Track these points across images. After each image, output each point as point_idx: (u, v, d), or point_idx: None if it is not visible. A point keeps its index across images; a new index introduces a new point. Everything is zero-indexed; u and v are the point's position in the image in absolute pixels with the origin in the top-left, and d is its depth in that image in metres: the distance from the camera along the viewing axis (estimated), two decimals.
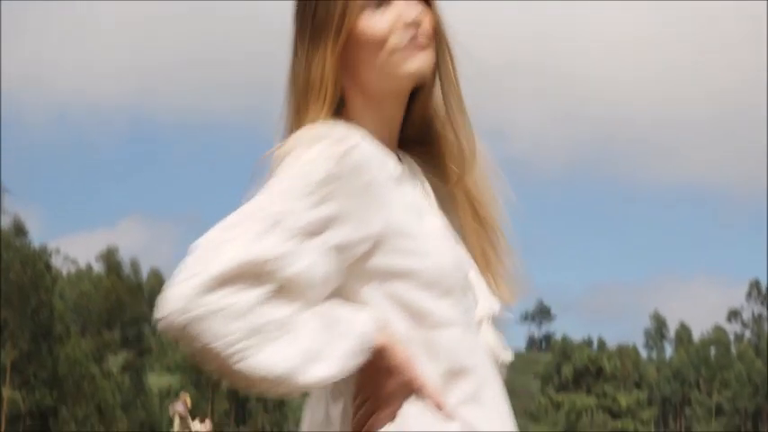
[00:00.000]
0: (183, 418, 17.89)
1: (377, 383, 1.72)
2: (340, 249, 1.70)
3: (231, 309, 1.57)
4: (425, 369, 1.75)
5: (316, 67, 1.87)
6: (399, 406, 1.74)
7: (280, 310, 1.61)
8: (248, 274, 1.59)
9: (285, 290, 1.62)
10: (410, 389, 1.73)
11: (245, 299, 1.58)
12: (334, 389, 1.77)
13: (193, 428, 17.86)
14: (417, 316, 1.77)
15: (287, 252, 1.62)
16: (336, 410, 1.78)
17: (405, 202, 1.81)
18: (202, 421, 18.29)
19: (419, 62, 1.87)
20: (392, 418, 1.73)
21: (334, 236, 1.69)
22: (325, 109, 1.85)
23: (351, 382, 1.74)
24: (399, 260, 1.76)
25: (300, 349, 1.62)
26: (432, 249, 1.79)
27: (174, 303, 1.57)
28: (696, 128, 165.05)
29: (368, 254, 1.74)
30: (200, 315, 1.56)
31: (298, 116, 1.87)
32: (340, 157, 1.73)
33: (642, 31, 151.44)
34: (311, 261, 1.65)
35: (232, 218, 1.66)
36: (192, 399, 20.48)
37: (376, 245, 1.74)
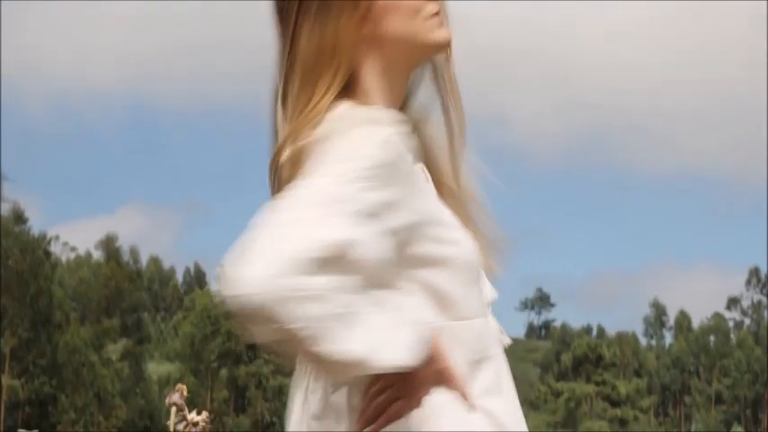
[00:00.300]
0: (179, 409, 17.86)
1: (407, 370, 1.67)
2: (395, 234, 1.68)
3: (307, 291, 1.54)
4: (454, 358, 1.71)
5: (327, 37, 1.81)
6: (426, 393, 1.70)
7: (351, 294, 1.59)
8: (320, 258, 1.56)
9: (353, 273, 1.60)
10: (441, 378, 1.70)
11: (319, 282, 1.55)
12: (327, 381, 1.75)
13: (190, 419, 17.83)
14: (446, 304, 1.77)
15: (353, 236, 1.61)
16: (341, 398, 1.74)
17: (431, 189, 1.82)
18: (199, 413, 18.22)
19: (446, 33, 1.88)
20: (418, 405, 1.70)
21: (390, 221, 1.68)
22: (335, 85, 1.80)
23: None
24: (436, 248, 1.75)
25: (374, 334, 1.60)
26: (460, 238, 1.79)
27: (250, 283, 1.53)
28: (696, 115, 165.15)
29: (407, 241, 1.72)
30: (278, 296, 1.53)
31: (303, 93, 1.80)
32: (388, 142, 1.70)
33: (641, 18, 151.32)
34: (375, 245, 1.64)
35: (292, 200, 1.62)
36: (191, 387, 20.25)
37: (415, 232, 1.73)
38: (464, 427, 1.74)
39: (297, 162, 1.75)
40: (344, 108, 1.77)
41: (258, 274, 1.54)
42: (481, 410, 1.76)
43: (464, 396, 1.73)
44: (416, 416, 1.70)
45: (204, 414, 18.10)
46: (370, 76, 1.86)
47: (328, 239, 1.57)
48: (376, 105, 1.82)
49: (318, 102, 1.79)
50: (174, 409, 17.89)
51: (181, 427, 17.84)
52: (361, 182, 1.64)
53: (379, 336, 1.61)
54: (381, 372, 1.63)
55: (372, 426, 1.70)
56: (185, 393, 18.13)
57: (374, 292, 1.64)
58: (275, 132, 1.85)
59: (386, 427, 1.70)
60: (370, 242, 1.62)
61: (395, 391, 1.69)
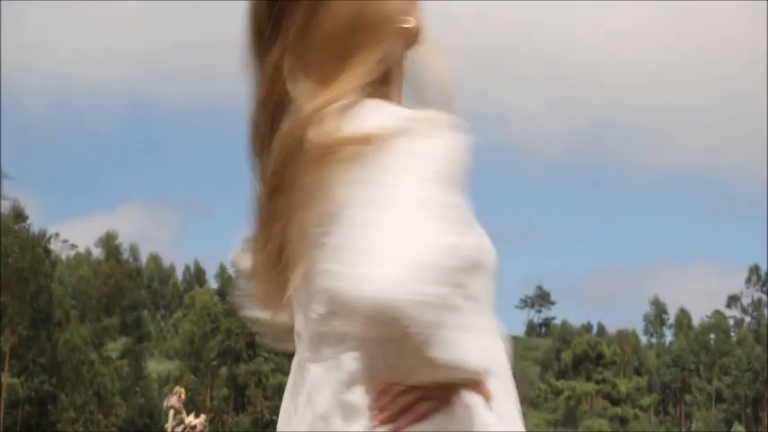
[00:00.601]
0: (177, 412, 17.87)
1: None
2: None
3: (431, 297, 1.55)
4: None
5: (368, 12, 1.75)
6: (455, 394, 1.70)
7: (465, 301, 1.60)
8: (445, 265, 1.57)
9: (466, 281, 1.62)
10: (472, 380, 1.70)
11: (443, 289, 1.56)
12: (352, 375, 1.72)
13: (188, 422, 17.83)
14: (491, 309, 1.81)
15: (466, 243, 1.63)
16: (356, 396, 1.71)
17: None
18: (197, 415, 18.26)
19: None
20: (447, 405, 1.69)
21: (478, 228, 1.73)
22: (371, 70, 1.74)
23: (375, 368, 1.69)
24: (487, 256, 1.80)
25: (482, 342, 1.63)
26: (486, 242, 1.82)
27: (381, 284, 1.54)
28: (696, 113, 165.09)
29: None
30: (408, 300, 1.54)
31: (335, 72, 1.73)
32: (463, 145, 1.68)
33: (641, 16, 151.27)
34: (476, 253, 1.68)
35: (400, 200, 1.61)
36: (190, 385, 20.27)
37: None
38: (494, 428, 1.73)
39: (336, 146, 1.69)
40: (398, 108, 1.73)
41: (390, 276, 1.54)
42: (499, 413, 1.75)
43: (487, 398, 1.72)
44: (443, 416, 1.69)
45: (202, 417, 18.13)
46: (397, 70, 1.80)
47: (450, 246, 1.57)
48: (397, 104, 1.77)
49: (349, 84, 1.73)
50: (171, 412, 17.92)
51: (179, 429, 17.87)
52: (459, 189, 1.65)
53: (485, 344, 1.64)
54: (480, 377, 1.66)
55: (395, 424, 1.68)
56: (183, 396, 18.17)
57: (473, 299, 1.65)
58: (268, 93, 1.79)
59: (410, 427, 1.68)
60: (474, 249, 1.66)
61: (423, 390, 1.67)
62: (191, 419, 17.94)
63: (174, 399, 18.10)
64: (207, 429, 18.68)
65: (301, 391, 1.80)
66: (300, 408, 1.79)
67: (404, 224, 1.58)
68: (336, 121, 1.70)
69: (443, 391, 1.68)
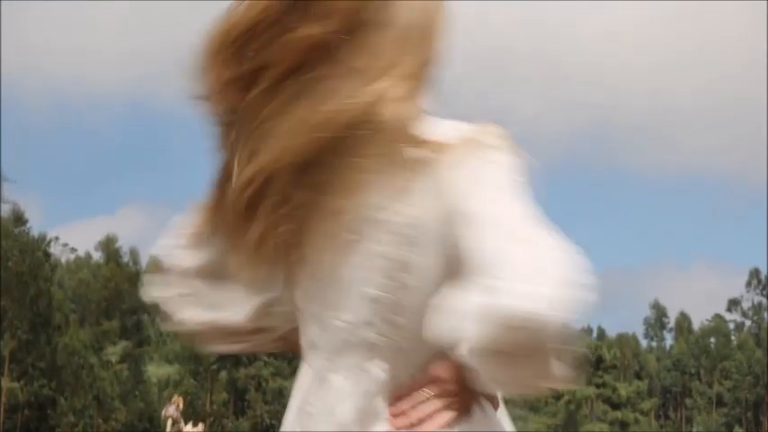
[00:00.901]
0: (175, 422, 17.86)
1: (463, 380, 1.71)
2: None
3: (572, 314, 1.60)
4: None
5: (429, 14, 1.77)
6: (476, 403, 1.73)
7: None
8: (583, 282, 1.61)
9: None
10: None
11: (576, 309, 1.61)
12: (379, 384, 1.74)
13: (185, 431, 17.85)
14: None
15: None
16: (381, 405, 1.74)
17: None
18: (195, 425, 18.23)
19: None
20: (468, 414, 1.73)
21: None
22: (420, 74, 1.76)
23: (399, 378, 1.73)
24: None
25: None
26: None
27: (565, 304, 1.57)
28: (696, 115, 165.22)
29: None
30: (558, 318, 1.57)
31: (396, 62, 1.72)
32: (522, 157, 1.72)
33: (641, 17, 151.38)
34: None
35: (535, 219, 1.64)
36: (190, 389, 20.25)
37: None
38: None
39: (411, 141, 1.70)
40: (454, 122, 1.74)
41: (568, 297, 1.58)
42: (505, 421, 1.81)
43: (496, 407, 1.78)
44: (465, 426, 1.72)
45: (200, 426, 18.11)
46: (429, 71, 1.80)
47: (579, 262, 1.62)
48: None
49: (411, 77, 1.73)
50: (169, 422, 17.91)
51: None
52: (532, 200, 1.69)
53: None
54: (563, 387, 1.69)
55: (416, 430, 1.70)
56: (181, 406, 18.18)
57: None
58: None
59: None
60: None
61: (445, 399, 1.71)
62: (189, 429, 17.93)
63: (172, 408, 18.08)
64: None
65: (318, 401, 1.77)
66: (319, 418, 1.76)
67: (537, 240, 1.61)
68: (411, 112, 1.70)
69: (465, 401, 1.70)
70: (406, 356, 1.73)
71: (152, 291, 1.97)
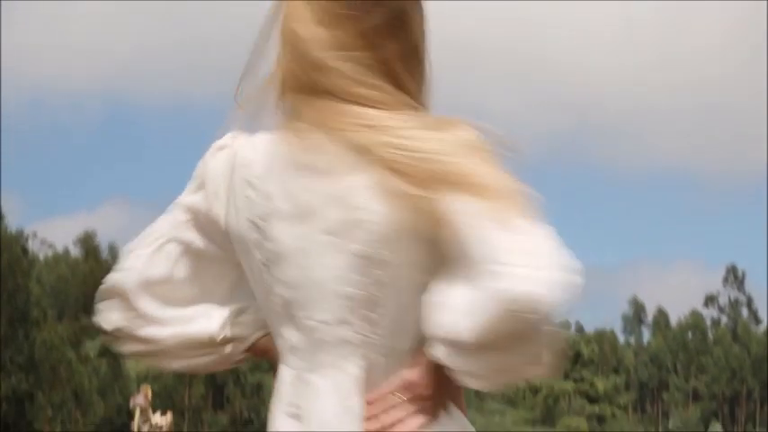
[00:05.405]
0: (143, 411, 17.91)
1: (434, 384, 1.74)
2: None
3: (566, 299, 1.61)
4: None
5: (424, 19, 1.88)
6: (442, 407, 1.76)
7: None
8: (576, 267, 1.63)
9: None
10: (455, 394, 1.78)
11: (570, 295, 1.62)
12: (355, 382, 1.77)
13: (154, 423, 17.88)
14: None
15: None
16: (359, 403, 1.77)
17: None
18: (164, 414, 18.30)
19: None
20: (435, 418, 1.76)
21: None
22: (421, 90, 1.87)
23: (375, 375, 1.77)
24: None
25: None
26: None
27: (555, 292, 1.59)
28: (673, 114, 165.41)
29: None
30: (555, 301, 1.59)
31: (415, 76, 1.85)
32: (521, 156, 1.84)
33: (620, 15, 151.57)
34: None
35: (519, 209, 1.68)
36: (169, 383, 20.30)
37: None
38: None
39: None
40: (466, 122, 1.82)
41: (560, 282, 1.59)
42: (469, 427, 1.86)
43: (464, 412, 1.83)
44: (432, 428, 1.75)
45: (169, 415, 18.16)
46: None
47: (567, 250, 1.65)
48: None
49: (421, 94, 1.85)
50: (138, 411, 17.97)
51: (145, 428, 17.92)
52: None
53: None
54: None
55: None
56: (149, 395, 18.23)
57: None
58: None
59: None
60: None
61: (416, 403, 1.74)
62: (157, 418, 18.01)
63: (141, 397, 18.13)
64: (173, 428, 18.75)
65: (301, 403, 1.80)
66: (303, 419, 1.79)
67: (526, 228, 1.63)
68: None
69: (435, 405, 1.75)
70: (383, 353, 1.75)
71: (110, 316, 1.97)
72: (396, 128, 1.74)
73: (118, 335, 1.97)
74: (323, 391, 1.78)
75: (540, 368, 1.66)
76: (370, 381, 1.76)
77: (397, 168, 1.72)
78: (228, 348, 1.96)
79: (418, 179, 1.70)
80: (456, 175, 1.68)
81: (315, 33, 1.80)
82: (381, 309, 1.76)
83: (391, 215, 1.72)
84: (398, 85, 1.81)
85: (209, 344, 1.95)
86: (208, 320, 1.94)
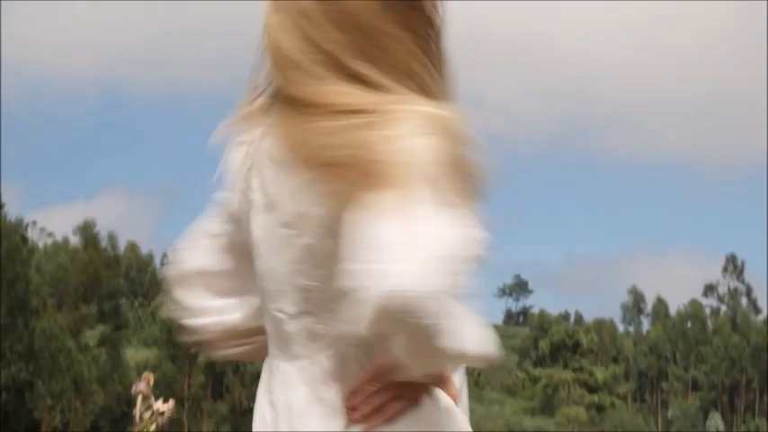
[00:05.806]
0: (145, 398, 17.91)
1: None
2: None
3: (446, 287, 1.58)
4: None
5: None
6: (425, 394, 1.76)
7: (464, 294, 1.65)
8: (460, 254, 1.62)
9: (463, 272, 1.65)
10: (439, 380, 1.78)
11: (455, 279, 1.60)
12: (326, 373, 1.79)
13: (156, 408, 17.87)
14: None
15: (478, 233, 1.68)
16: (332, 394, 1.79)
17: None
18: (166, 401, 18.28)
19: None
20: (417, 405, 1.75)
21: None
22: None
23: (347, 366, 1.78)
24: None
25: (477, 330, 1.68)
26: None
27: (399, 278, 1.56)
28: (674, 103, 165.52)
29: None
30: (429, 292, 1.56)
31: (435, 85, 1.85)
32: (462, 140, 1.79)
33: (621, 5, 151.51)
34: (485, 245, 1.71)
35: (429, 200, 1.64)
36: (168, 372, 20.29)
37: None
38: (465, 428, 1.83)
39: None
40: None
41: (408, 270, 1.56)
42: (462, 413, 1.86)
43: (455, 399, 1.82)
44: (415, 416, 1.75)
45: (171, 402, 18.13)
46: None
47: (465, 237, 1.63)
48: None
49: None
50: (140, 398, 17.96)
51: (147, 415, 17.91)
52: (464, 183, 1.73)
53: (480, 332, 1.68)
54: (477, 365, 1.73)
55: (368, 424, 1.74)
56: (151, 382, 18.23)
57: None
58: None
59: (383, 427, 1.74)
60: (483, 242, 1.69)
61: (395, 391, 1.74)
62: (159, 405, 18.00)
63: (143, 384, 18.11)
64: (175, 415, 18.74)
65: (275, 390, 1.85)
66: (277, 407, 1.83)
67: (416, 218, 1.60)
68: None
69: (414, 391, 1.75)
70: (351, 343, 1.76)
71: (185, 298, 2.05)
72: (337, 126, 1.74)
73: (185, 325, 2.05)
74: (294, 381, 1.81)
75: (444, 358, 1.67)
76: (342, 371, 1.78)
77: (333, 165, 1.73)
78: (258, 339, 1.99)
79: (350, 176, 1.70)
80: (378, 170, 1.68)
81: (276, 34, 1.83)
82: (341, 300, 1.72)
83: (333, 210, 1.74)
84: (351, 76, 1.78)
85: (247, 333, 2.01)
86: (240, 310, 2.01)
